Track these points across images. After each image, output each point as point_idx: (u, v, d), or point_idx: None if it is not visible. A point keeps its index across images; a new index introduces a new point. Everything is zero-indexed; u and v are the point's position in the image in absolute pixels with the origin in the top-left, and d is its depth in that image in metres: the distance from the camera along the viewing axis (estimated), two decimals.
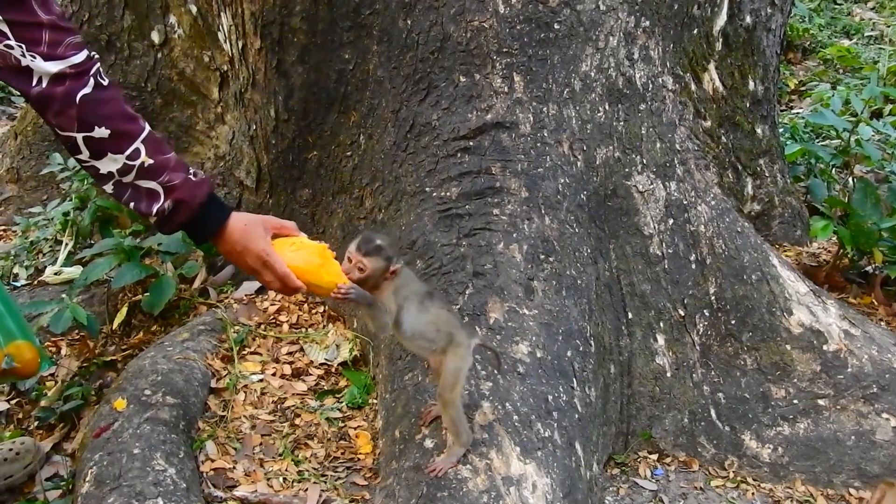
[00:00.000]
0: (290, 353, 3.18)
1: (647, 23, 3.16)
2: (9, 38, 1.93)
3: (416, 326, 2.18)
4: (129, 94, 4.08)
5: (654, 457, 2.99)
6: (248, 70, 3.53)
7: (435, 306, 2.20)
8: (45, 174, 4.26)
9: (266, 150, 3.58)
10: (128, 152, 2.06)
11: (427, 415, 2.43)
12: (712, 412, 3.00)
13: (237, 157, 3.84)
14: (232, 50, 3.64)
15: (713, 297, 3.05)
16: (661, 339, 3.03)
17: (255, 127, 3.61)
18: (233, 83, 3.80)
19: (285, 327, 3.30)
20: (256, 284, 3.49)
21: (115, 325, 3.46)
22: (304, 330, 3.30)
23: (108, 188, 2.11)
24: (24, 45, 1.94)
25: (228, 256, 2.24)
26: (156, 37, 4.11)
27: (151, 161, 2.08)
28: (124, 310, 3.46)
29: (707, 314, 3.05)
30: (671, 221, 3.06)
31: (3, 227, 4.51)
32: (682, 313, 3.04)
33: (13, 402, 3.22)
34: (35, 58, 1.95)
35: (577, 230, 2.92)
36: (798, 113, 6.11)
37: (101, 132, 2.02)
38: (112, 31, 4.20)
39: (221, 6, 3.58)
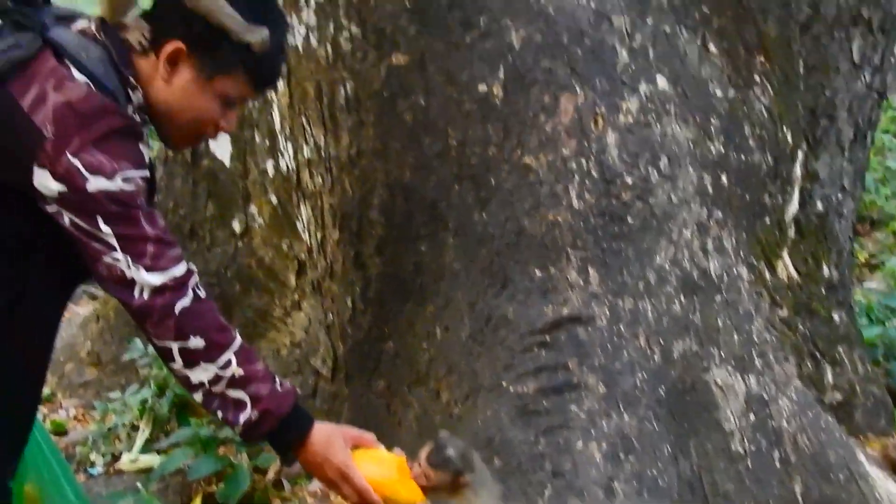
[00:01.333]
0: None
1: (720, 214, 3.19)
2: (116, 251, 2.01)
3: None
4: (209, 280, 4.18)
5: None
6: (325, 260, 3.61)
7: None
8: (126, 360, 4.34)
9: (342, 339, 3.62)
10: (220, 362, 2.10)
11: None
12: None
13: (313, 344, 3.88)
14: (310, 240, 3.74)
15: (800, 498, 2.96)
16: None
17: (331, 316, 3.67)
18: (310, 272, 3.89)
19: None
20: None
21: None
22: None
23: (198, 397, 2.14)
24: (129, 258, 2.02)
25: (307, 467, 2.23)
26: (237, 226, 4.24)
27: (241, 371, 2.11)
28: (199, 501, 3.46)
29: None
30: (752, 417, 3.01)
31: (82, 411, 4.58)
32: None
33: None
34: (139, 270, 2.02)
35: (656, 427, 2.87)
36: (870, 288, 6.04)
37: (196, 342, 2.07)
38: (195, 220, 4.35)
39: (301, 198, 3.70)
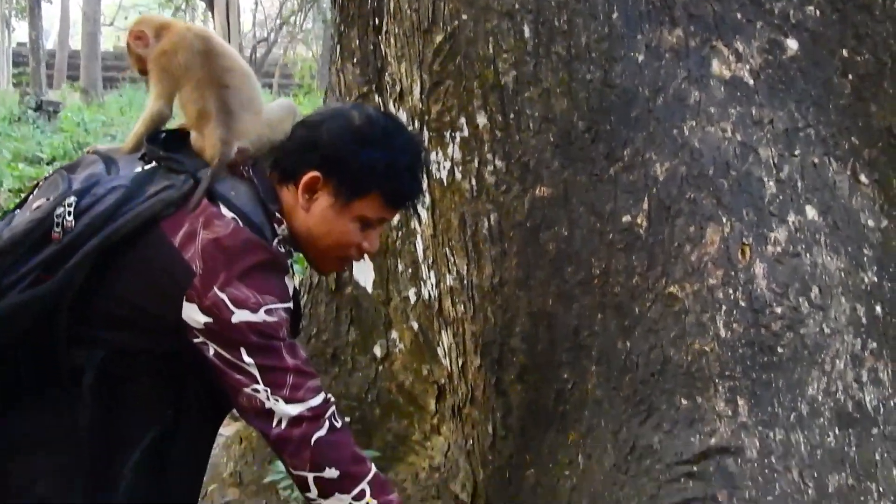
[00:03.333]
0: None
1: (875, 345, 3.10)
2: (258, 383, 2.07)
3: None
4: (349, 404, 4.25)
5: None
6: (466, 386, 3.63)
7: None
8: (267, 482, 4.41)
9: (482, 466, 3.61)
10: (354, 493, 2.13)
11: None
12: None
13: (452, 469, 3.88)
14: (451, 366, 3.77)
15: None
16: None
17: (471, 441, 3.67)
18: (450, 397, 3.91)
19: None
20: None
21: None
22: None
23: None
24: (269, 389, 2.07)
25: None
26: (378, 351, 4.32)
27: (375, 502, 2.13)
28: None
29: None
30: None
31: None
32: None
33: None
34: (278, 401, 2.08)
35: None
36: None
37: (331, 473, 2.11)
38: (337, 346, 4.45)
39: (443, 325, 3.76)
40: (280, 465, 4.07)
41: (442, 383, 4.00)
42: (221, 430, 5.89)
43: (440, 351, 3.89)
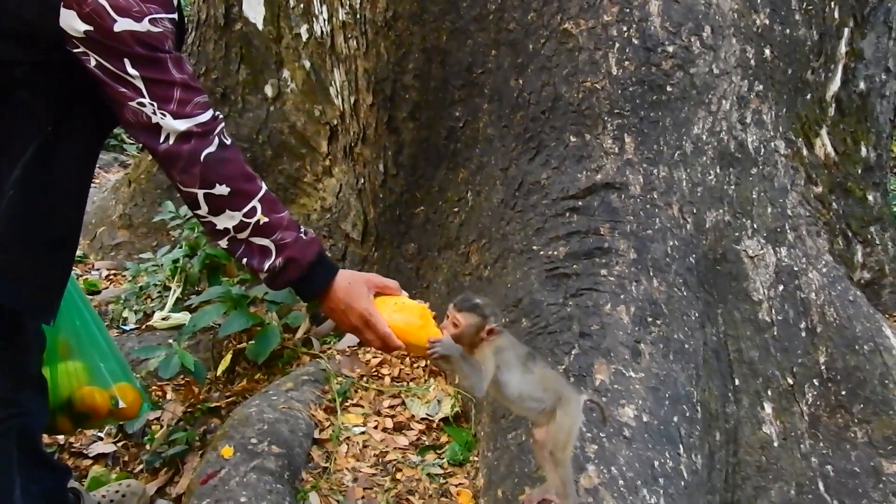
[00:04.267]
0: (391, 407, 3.19)
1: (761, 87, 3.14)
2: (143, 97, 1.98)
3: (523, 388, 2.14)
4: (240, 145, 4.18)
5: None
6: (358, 125, 3.60)
7: (539, 366, 2.18)
8: (157, 221, 4.38)
9: (373, 204, 3.63)
10: (245, 210, 2.09)
11: (528, 502, 2.35)
12: (820, 485, 2.91)
13: (344, 209, 3.90)
14: (343, 105, 3.72)
15: (823, 367, 2.98)
16: (768, 408, 2.96)
17: (363, 181, 3.68)
18: (342, 137, 3.88)
19: (387, 380, 3.32)
20: None
21: (219, 372, 3.52)
22: (405, 384, 3.31)
23: (223, 243, 2.15)
24: (156, 103, 1.99)
25: (331, 314, 2.25)
26: (269, 91, 4.23)
27: (266, 219, 2.11)
28: (229, 357, 3.52)
29: (817, 384, 2.98)
30: (781, 288, 3.01)
31: (114, 272, 4.64)
32: (790, 382, 2.97)
33: (120, 444, 3.28)
34: (165, 116, 2.00)
35: (685, 293, 2.88)
36: None
37: (222, 190, 2.06)
38: (227, 85, 4.33)
39: (335, 63, 3.67)
40: (170, 205, 4.05)
41: (334, 124, 3.95)
42: (109, 176, 5.80)
43: (332, 90, 3.82)
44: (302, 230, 2.19)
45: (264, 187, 2.14)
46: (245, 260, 2.15)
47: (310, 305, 3.63)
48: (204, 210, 2.09)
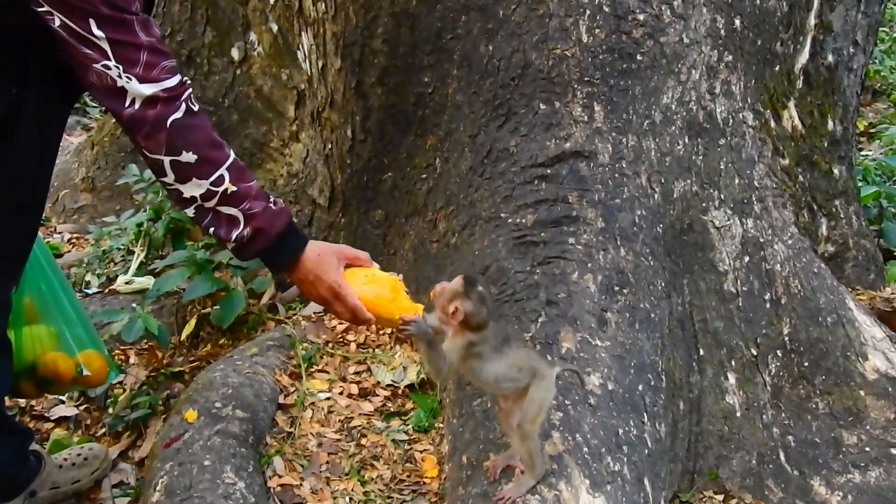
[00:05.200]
0: (357, 373, 3.19)
1: (730, 57, 3.14)
2: (109, 59, 1.94)
3: (498, 372, 2.13)
4: (206, 109, 4.10)
5: (720, 497, 2.92)
6: (326, 90, 3.56)
7: (513, 348, 2.17)
8: (120, 185, 4.32)
9: (340, 170, 3.61)
10: (212, 178, 2.06)
11: (492, 468, 2.35)
12: (781, 455, 2.94)
13: (310, 175, 3.87)
14: (311, 69, 3.68)
15: (787, 338, 3.01)
16: (731, 378, 2.99)
17: (330, 146, 3.65)
18: (309, 102, 3.84)
19: (353, 347, 3.31)
20: None
21: (183, 337, 3.50)
22: (371, 350, 3.30)
23: (190, 212, 2.12)
24: (121, 66, 1.95)
25: (300, 285, 2.23)
26: (235, 54, 4.17)
27: (234, 188, 2.08)
28: (193, 322, 3.50)
29: (780, 355, 3.01)
30: (747, 259, 3.03)
31: (76, 236, 4.59)
32: (754, 353, 3.00)
33: (82, 408, 3.26)
34: (130, 79, 1.96)
35: (651, 263, 2.89)
36: (867, 155, 6.02)
37: (188, 157, 2.03)
38: (193, 47, 4.27)
39: (303, 26, 3.63)
40: (133, 169, 4.00)
41: (301, 89, 3.91)
42: (72, 140, 5.72)
43: (300, 54, 3.78)
44: (271, 200, 2.16)
45: (232, 155, 2.11)
46: (212, 229, 2.13)
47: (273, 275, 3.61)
48: (170, 178, 2.06)
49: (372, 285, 2.21)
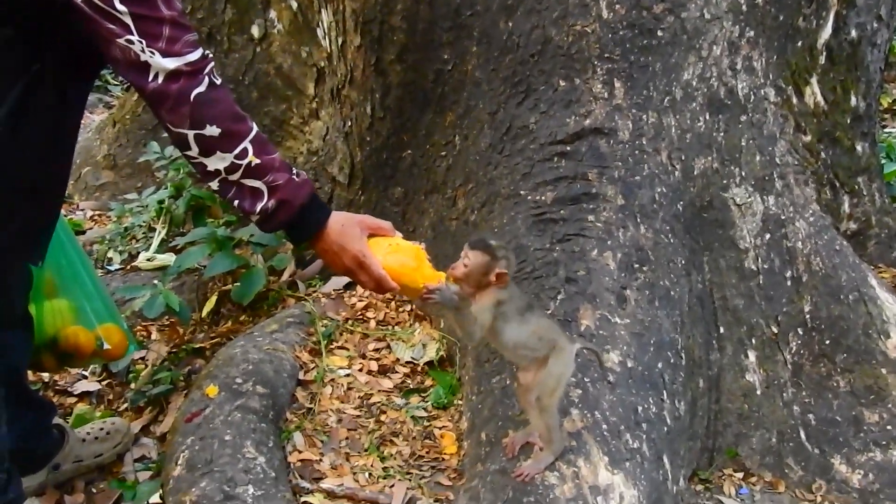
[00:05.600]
0: (376, 350, 3.20)
1: (752, 33, 3.11)
2: (132, 33, 1.94)
3: (519, 337, 2.14)
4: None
5: (740, 475, 2.92)
6: (345, 67, 3.56)
7: (536, 316, 2.17)
8: (142, 162, 4.34)
9: (360, 147, 3.61)
10: (236, 151, 2.06)
11: (511, 445, 2.37)
12: (801, 433, 2.94)
13: (330, 152, 3.87)
14: (330, 46, 3.68)
15: (808, 316, 2.99)
16: (751, 356, 2.98)
17: (349, 123, 3.65)
18: (329, 79, 3.84)
19: (372, 324, 3.32)
20: (344, 279, 3.50)
21: (204, 314, 3.52)
22: (391, 327, 3.31)
23: (214, 185, 2.12)
24: (144, 41, 1.95)
25: (324, 256, 2.23)
26: (255, 31, 4.17)
27: (258, 161, 2.08)
28: (214, 298, 3.52)
29: (801, 333, 3.00)
30: (768, 236, 3.01)
31: (98, 213, 4.62)
32: (774, 330, 2.99)
33: (104, 383, 3.29)
34: (154, 54, 1.96)
35: (671, 240, 2.88)
36: (891, 132, 5.96)
37: (212, 130, 2.02)
38: (213, 24, 4.28)
39: (322, 3, 3.63)
40: (155, 146, 4.01)
41: (321, 66, 3.91)
42: (94, 117, 5.75)
43: (319, 31, 3.77)
44: (294, 172, 2.16)
45: (255, 128, 2.11)
46: (237, 202, 2.13)
47: (296, 247, 3.62)
48: (195, 151, 2.06)
49: (396, 254, 2.20)
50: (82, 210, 4.69)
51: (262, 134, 2.13)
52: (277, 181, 2.11)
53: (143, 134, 4.59)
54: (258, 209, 2.12)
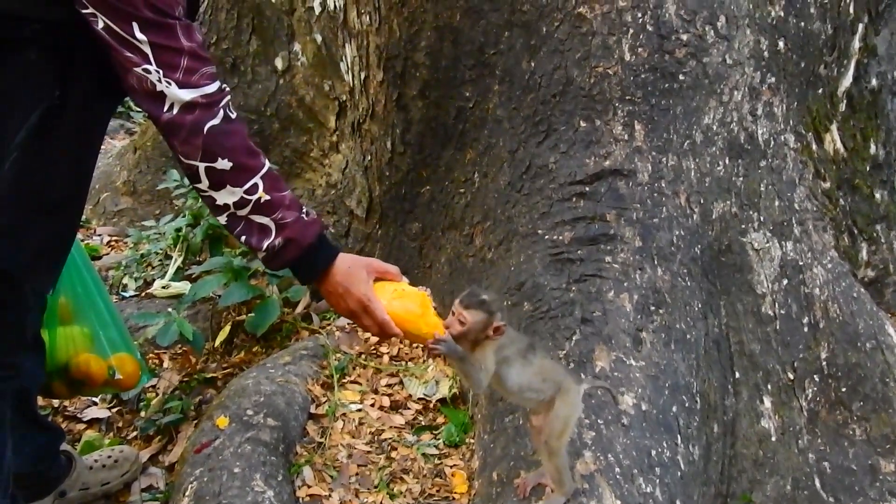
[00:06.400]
0: (389, 385, 3.19)
1: (773, 79, 3.11)
2: (150, 63, 1.95)
3: (523, 380, 2.12)
4: (248, 116, 4.16)
5: None
6: (367, 101, 3.58)
7: (538, 357, 2.16)
8: (161, 189, 4.36)
9: (379, 182, 3.62)
10: (246, 186, 2.05)
11: (523, 486, 2.35)
12: (817, 481, 2.91)
13: (349, 186, 3.88)
14: (353, 80, 3.70)
15: (824, 363, 2.97)
16: (767, 402, 2.96)
17: (369, 157, 3.66)
18: (350, 113, 3.86)
19: (385, 359, 3.31)
20: None
21: (217, 343, 3.52)
22: (404, 363, 3.30)
23: (222, 219, 2.11)
24: (161, 70, 1.96)
25: (328, 297, 2.21)
26: (279, 63, 4.20)
27: (268, 197, 2.07)
28: (227, 328, 3.52)
29: (817, 379, 2.97)
30: (785, 282, 3.00)
31: (115, 238, 4.63)
32: (791, 376, 2.96)
33: (114, 410, 3.28)
34: (170, 84, 1.96)
35: (688, 283, 2.87)
36: None
37: (224, 164, 2.02)
38: (237, 55, 4.31)
39: (347, 37, 3.65)
40: (174, 174, 4.03)
41: (343, 100, 3.93)
42: (114, 143, 5.78)
43: (343, 65, 3.80)
44: (304, 210, 2.15)
45: (267, 164, 2.11)
46: (244, 238, 2.12)
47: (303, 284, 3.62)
48: (205, 184, 2.06)
49: (401, 300, 2.18)
50: (99, 235, 4.70)
51: (275, 170, 2.13)
52: (286, 219, 2.10)
53: (163, 161, 4.61)
54: (265, 246, 2.11)
